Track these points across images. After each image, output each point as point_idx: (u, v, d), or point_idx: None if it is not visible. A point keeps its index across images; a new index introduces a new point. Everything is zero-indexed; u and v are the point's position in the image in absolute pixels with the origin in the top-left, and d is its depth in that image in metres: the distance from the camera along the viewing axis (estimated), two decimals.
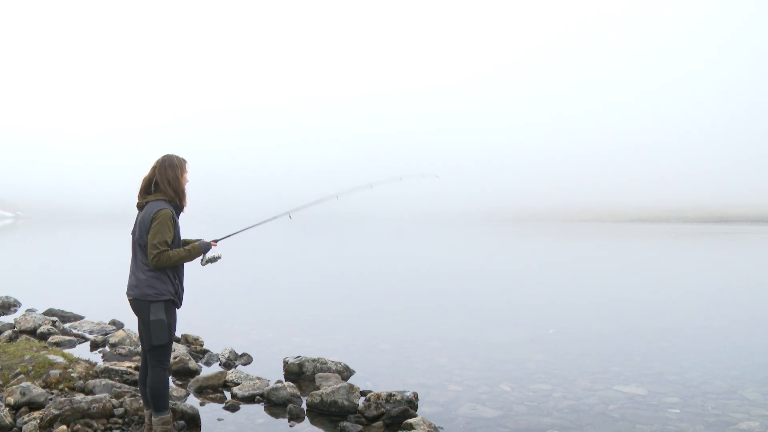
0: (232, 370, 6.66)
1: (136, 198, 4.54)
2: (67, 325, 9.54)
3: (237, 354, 7.73)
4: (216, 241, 4.68)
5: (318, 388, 6.11)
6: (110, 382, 5.76)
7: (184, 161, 4.58)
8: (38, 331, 8.68)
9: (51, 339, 8.27)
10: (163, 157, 4.52)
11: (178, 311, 4.58)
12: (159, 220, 4.28)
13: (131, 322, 8.37)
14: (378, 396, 5.55)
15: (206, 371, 7.00)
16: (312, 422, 5.43)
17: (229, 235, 4.92)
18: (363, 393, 6.00)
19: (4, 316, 10.73)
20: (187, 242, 4.68)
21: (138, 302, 4.36)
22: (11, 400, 5.16)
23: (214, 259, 4.57)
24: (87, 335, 8.97)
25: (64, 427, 4.71)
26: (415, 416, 5.30)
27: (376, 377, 6.94)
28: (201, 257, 4.52)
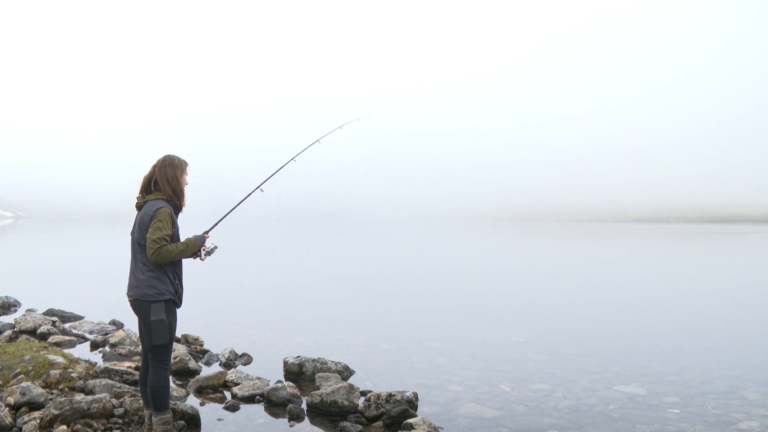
0: (232, 370, 6.66)
1: (136, 197, 4.56)
2: (67, 325, 9.54)
3: (237, 354, 7.73)
4: (207, 232, 4.70)
5: (318, 388, 6.11)
6: (110, 382, 5.77)
7: (185, 163, 4.60)
8: (38, 331, 8.68)
9: (51, 339, 8.27)
10: (164, 156, 4.55)
11: (178, 311, 4.58)
12: (159, 217, 4.29)
13: (131, 322, 8.38)
14: (378, 396, 5.55)
15: (206, 371, 7.01)
16: (312, 422, 5.43)
17: (216, 224, 4.96)
18: (363, 393, 6.00)
19: (4, 316, 10.73)
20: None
21: (139, 302, 4.36)
22: (11, 400, 5.16)
23: (212, 251, 4.59)
24: (87, 335, 8.97)
25: (64, 427, 4.71)
26: (415, 416, 5.30)
27: (376, 377, 6.95)
28: (199, 252, 4.53)
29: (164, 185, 4.45)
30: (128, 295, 4.43)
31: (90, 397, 5.07)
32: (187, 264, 4.70)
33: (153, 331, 4.32)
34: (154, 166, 4.52)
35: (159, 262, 4.28)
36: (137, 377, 6.04)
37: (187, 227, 4.63)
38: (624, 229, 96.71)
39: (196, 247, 4.45)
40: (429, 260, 28.29)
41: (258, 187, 5.32)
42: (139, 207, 4.50)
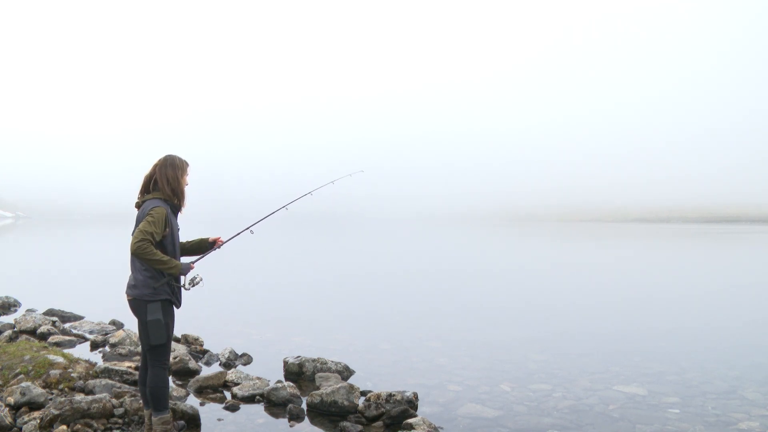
0: (232, 370, 6.66)
1: (137, 197, 4.56)
2: (67, 325, 9.54)
3: (237, 354, 7.73)
4: (193, 262, 4.63)
5: (318, 388, 6.11)
6: (110, 382, 5.77)
7: (186, 163, 4.59)
8: (38, 331, 8.68)
9: (51, 339, 8.27)
10: (165, 156, 4.54)
11: (178, 311, 4.58)
12: (152, 214, 4.29)
13: (131, 322, 8.37)
14: (378, 396, 5.55)
15: (206, 371, 7.01)
16: (312, 422, 5.43)
17: (202, 256, 4.82)
18: (363, 393, 6.00)
19: (4, 316, 10.73)
20: (186, 244, 4.74)
21: (136, 302, 4.37)
22: (11, 400, 5.16)
23: (195, 282, 4.51)
24: (87, 335, 8.97)
25: (64, 427, 4.72)
26: (415, 416, 5.31)
27: (376, 377, 6.95)
28: (183, 280, 4.47)
29: (164, 185, 4.45)
30: (126, 294, 4.44)
31: (90, 397, 5.07)
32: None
33: (150, 331, 4.32)
34: (155, 166, 4.51)
35: (137, 254, 4.21)
36: (137, 377, 6.03)
37: (188, 227, 4.62)
38: (624, 229, 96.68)
39: (176, 270, 4.33)
40: (429, 260, 28.28)
41: (248, 228, 5.20)
42: (138, 206, 4.51)
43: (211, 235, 4.95)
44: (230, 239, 5.01)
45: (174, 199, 4.48)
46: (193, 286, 4.51)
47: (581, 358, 8.04)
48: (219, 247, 4.85)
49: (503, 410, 5.83)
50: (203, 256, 4.83)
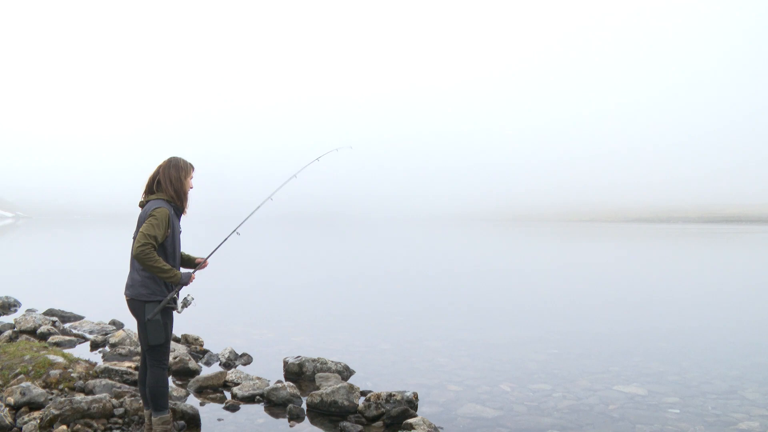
0: (232, 370, 6.66)
1: (140, 197, 4.55)
2: (67, 325, 9.54)
3: (237, 354, 7.73)
4: (193, 272, 4.55)
5: (318, 388, 6.11)
6: (110, 382, 5.77)
7: (191, 166, 4.59)
8: (38, 331, 8.68)
9: (51, 339, 8.27)
10: (170, 158, 4.55)
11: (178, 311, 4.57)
12: (156, 215, 4.28)
13: (131, 322, 8.37)
14: (378, 396, 5.55)
15: (206, 371, 7.01)
16: (312, 422, 5.43)
17: (197, 269, 4.68)
18: (363, 393, 6.00)
19: (4, 316, 10.73)
20: (183, 257, 4.68)
21: (134, 302, 4.37)
22: (11, 400, 5.17)
23: (187, 303, 4.45)
24: (87, 335, 8.97)
25: (64, 427, 4.72)
26: (415, 416, 5.31)
27: (376, 377, 6.95)
28: (176, 301, 4.42)
29: (167, 186, 4.45)
30: (125, 294, 4.44)
31: (90, 397, 5.07)
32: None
33: (148, 331, 4.32)
34: (159, 167, 4.52)
35: (139, 258, 4.19)
36: (137, 377, 6.04)
37: (188, 227, 4.61)
38: (624, 229, 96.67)
39: (176, 279, 4.30)
40: (429, 260, 28.28)
41: (234, 231, 5.14)
42: (142, 206, 4.51)
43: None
44: (219, 246, 4.90)
45: (177, 201, 4.48)
46: (185, 307, 4.44)
47: (581, 358, 8.04)
48: (203, 267, 4.78)
49: (503, 410, 5.83)
50: (197, 269, 4.69)
